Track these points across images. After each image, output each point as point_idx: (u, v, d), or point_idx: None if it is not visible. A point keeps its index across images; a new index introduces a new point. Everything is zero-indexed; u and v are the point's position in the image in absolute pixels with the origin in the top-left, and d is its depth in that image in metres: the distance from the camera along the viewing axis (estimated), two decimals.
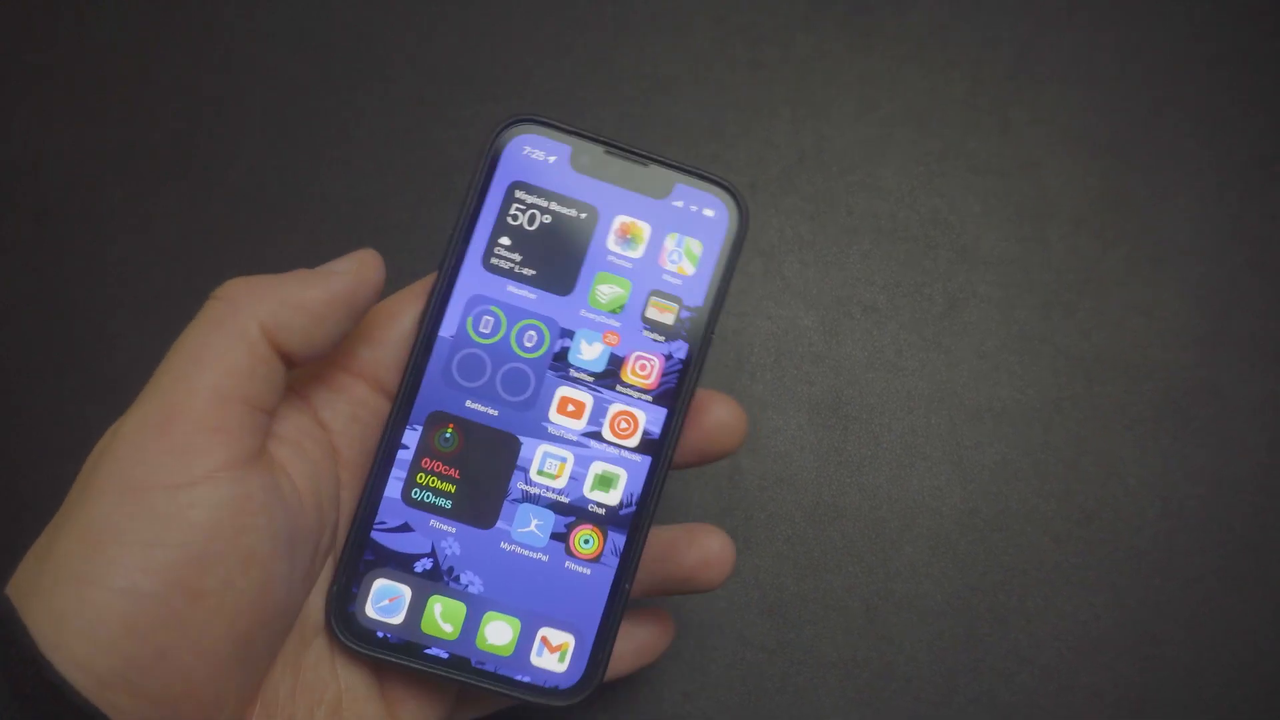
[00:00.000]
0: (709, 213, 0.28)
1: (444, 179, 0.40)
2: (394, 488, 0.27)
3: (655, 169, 0.27)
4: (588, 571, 0.27)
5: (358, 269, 0.25)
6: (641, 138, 0.40)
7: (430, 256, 0.40)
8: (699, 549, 0.28)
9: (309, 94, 0.41)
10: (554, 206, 0.27)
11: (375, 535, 0.27)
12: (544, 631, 0.27)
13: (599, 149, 0.27)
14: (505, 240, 0.27)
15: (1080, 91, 0.40)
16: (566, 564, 0.27)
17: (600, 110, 0.40)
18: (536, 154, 0.27)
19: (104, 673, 0.21)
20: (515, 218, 0.27)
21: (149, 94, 0.42)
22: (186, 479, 0.22)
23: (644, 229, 0.27)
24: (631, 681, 0.36)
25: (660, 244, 0.27)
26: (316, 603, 0.27)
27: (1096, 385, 0.38)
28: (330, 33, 0.42)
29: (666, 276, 0.27)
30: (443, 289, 0.27)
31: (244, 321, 0.24)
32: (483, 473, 0.27)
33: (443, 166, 0.41)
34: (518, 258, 0.27)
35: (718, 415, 0.28)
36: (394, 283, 0.39)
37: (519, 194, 0.27)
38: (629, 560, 0.27)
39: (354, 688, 0.26)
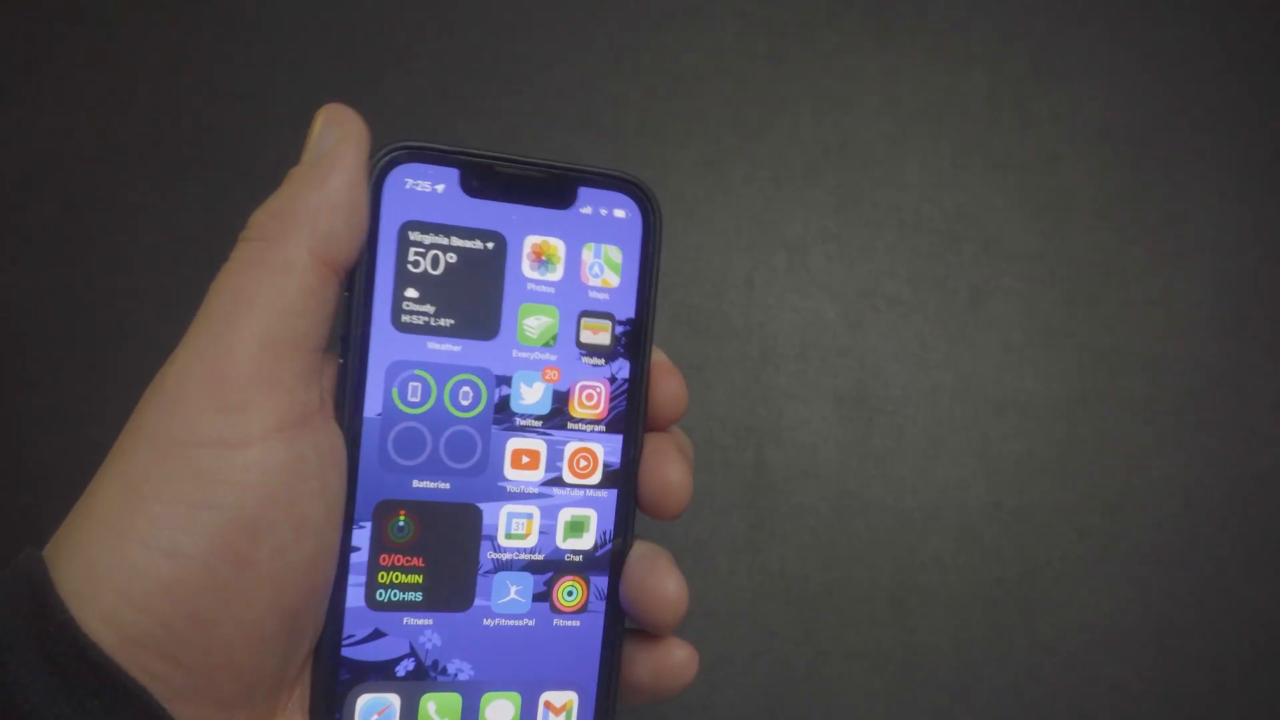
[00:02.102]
0: (620, 214, 0.25)
1: None
2: (355, 596, 0.24)
3: (553, 177, 0.25)
4: (577, 624, 0.26)
5: (348, 134, 0.23)
6: (665, 131, 0.40)
7: None
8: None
9: (331, 85, 0.41)
10: (455, 241, 0.24)
11: (346, 652, 0.24)
12: (546, 697, 0.25)
13: (488, 166, 0.24)
14: (412, 292, 0.24)
15: (1101, 87, 0.40)
16: (555, 622, 0.25)
17: (622, 104, 0.41)
18: (422, 185, 0.24)
19: (137, 634, 0.20)
20: (416, 264, 0.24)
21: (173, 86, 0.42)
22: (239, 438, 0.20)
23: (558, 246, 0.25)
24: None
25: (579, 259, 0.25)
26: None
27: (1119, 378, 0.38)
28: (352, 25, 0.42)
29: (593, 294, 0.25)
30: (355, 365, 0.23)
31: (291, 252, 0.22)
32: (448, 553, 0.25)
33: None
34: (430, 309, 0.24)
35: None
36: None
37: (414, 235, 0.24)
38: (616, 599, 0.25)
39: None
